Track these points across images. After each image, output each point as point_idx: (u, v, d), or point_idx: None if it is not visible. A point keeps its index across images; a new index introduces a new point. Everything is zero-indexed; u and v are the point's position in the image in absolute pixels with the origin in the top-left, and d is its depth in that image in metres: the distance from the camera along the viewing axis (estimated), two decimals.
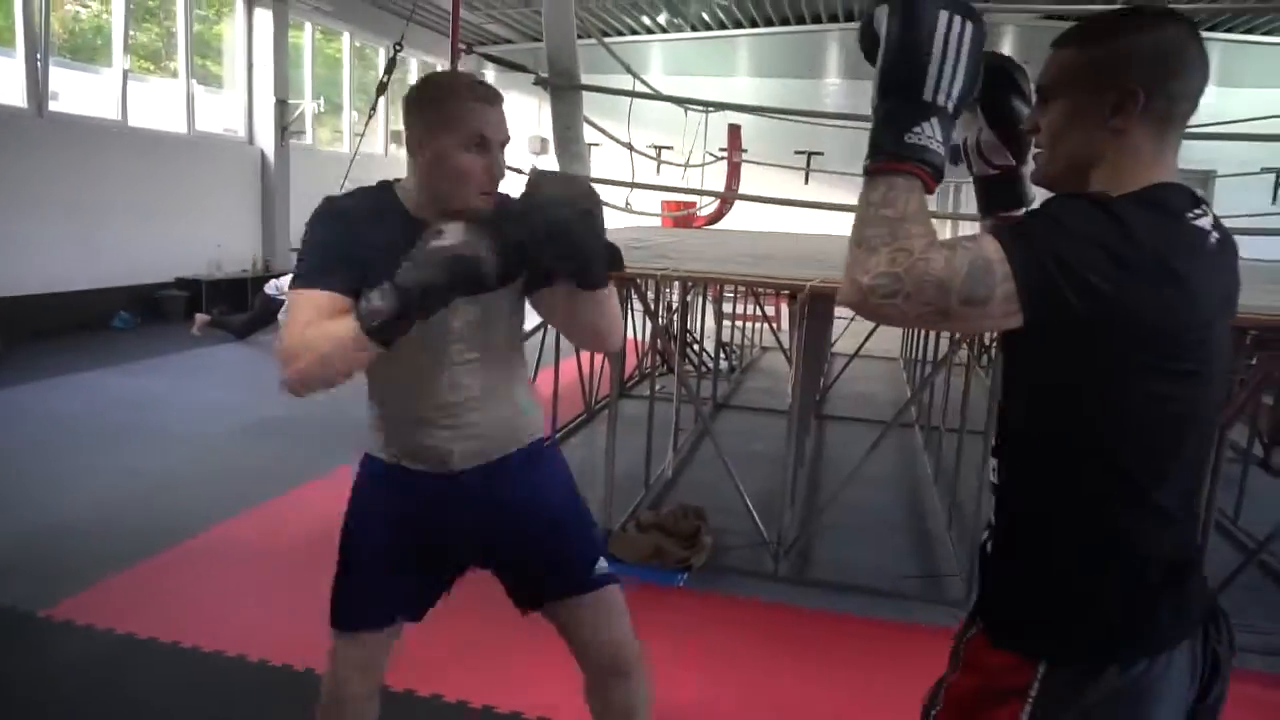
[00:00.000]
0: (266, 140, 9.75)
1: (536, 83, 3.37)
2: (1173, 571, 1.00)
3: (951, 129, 0.97)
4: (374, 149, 12.48)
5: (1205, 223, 0.98)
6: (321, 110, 10.63)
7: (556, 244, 1.23)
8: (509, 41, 13.41)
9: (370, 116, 3.47)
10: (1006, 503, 1.07)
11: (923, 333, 6.04)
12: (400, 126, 8.79)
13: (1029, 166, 1.16)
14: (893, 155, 0.93)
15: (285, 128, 9.72)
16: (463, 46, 3.16)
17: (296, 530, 3.41)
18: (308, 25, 10.63)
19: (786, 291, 3.14)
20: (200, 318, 7.44)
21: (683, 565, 3.18)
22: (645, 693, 1.66)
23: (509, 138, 1.40)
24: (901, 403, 6.40)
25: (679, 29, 13.52)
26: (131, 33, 8.21)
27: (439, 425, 1.52)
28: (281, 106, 9.69)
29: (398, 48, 3.22)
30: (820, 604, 3.04)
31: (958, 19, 0.92)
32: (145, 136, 8.23)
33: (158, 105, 8.51)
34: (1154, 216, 0.95)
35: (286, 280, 7.11)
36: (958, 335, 4.00)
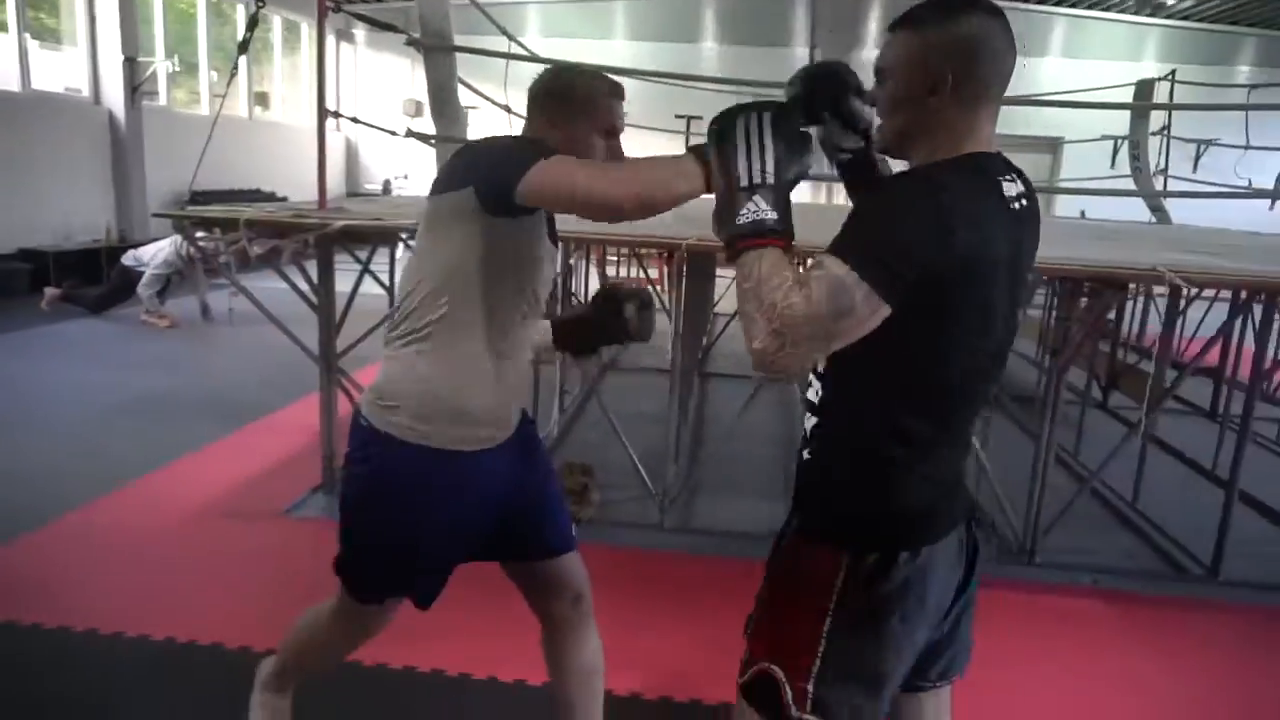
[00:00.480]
0: (116, 101, 9.08)
1: (408, 43, 3.30)
2: (949, 481, 1.24)
3: (782, 191, 1.16)
4: (236, 111, 11.84)
5: (1011, 189, 1.17)
6: (176, 69, 9.98)
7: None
8: (381, 1, 12.91)
9: (232, 76, 3.31)
10: (825, 420, 1.24)
11: None
12: (265, 89, 8.50)
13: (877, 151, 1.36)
14: (730, 240, 1.14)
15: (136, 88, 9.08)
16: (331, 4, 3.05)
17: (167, 510, 3.30)
18: None
19: (665, 252, 3.21)
20: (50, 291, 6.94)
21: (572, 519, 3.24)
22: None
23: (624, 128, 1.60)
24: None
25: None
26: None
27: (509, 385, 1.60)
28: (131, 64, 9.03)
29: (260, 4, 3.08)
30: (704, 550, 3.17)
31: (754, 116, 1.17)
32: None
33: None
34: (967, 181, 1.14)
35: (147, 250, 6.75)
36: None
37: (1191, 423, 5.32)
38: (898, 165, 1.29)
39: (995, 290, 1.15)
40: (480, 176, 1.43)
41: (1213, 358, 5.38)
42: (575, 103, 1.55)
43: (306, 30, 13.30)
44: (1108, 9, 13.06)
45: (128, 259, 6.81)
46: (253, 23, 3.17)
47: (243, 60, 11.18)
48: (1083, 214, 10.55)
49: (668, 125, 11.83)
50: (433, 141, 3.40)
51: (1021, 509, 3.24)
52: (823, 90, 1.29)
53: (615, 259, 7.04)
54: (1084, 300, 3.72)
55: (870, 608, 1.17)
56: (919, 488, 1.20)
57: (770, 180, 1.15)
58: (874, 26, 13.71)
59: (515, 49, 5.47)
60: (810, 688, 1.17)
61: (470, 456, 1.55)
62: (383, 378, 1.55)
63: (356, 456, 1.58)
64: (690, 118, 12.75)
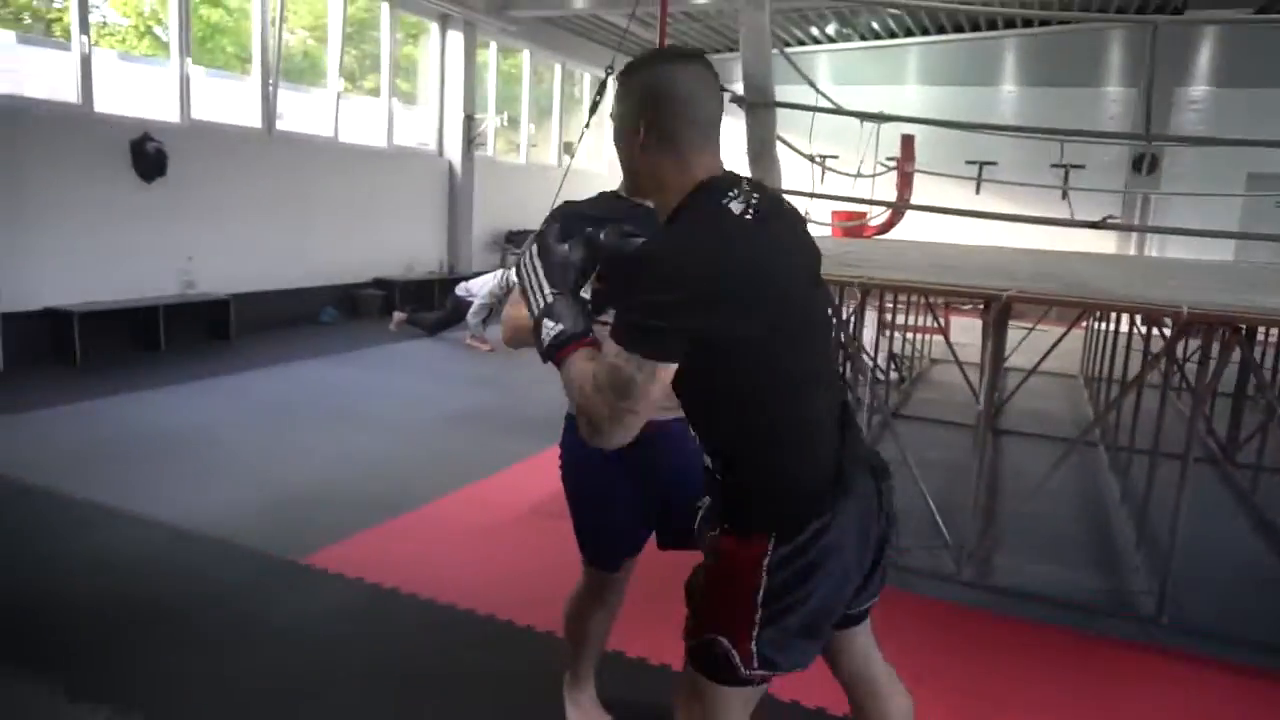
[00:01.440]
0: (454, 152, 10.49)
1: (733, 100, 3.57)
2: (827, 460, 1.40)
3: (565, 300, 1.38)
4: (548, 160, 13.13)
5: (738, 205, 1.30)
6: (504, 125, 11.30)
7: None
8: None
9: (583, 134, 3.77)
10: (713, 453, 1.45)
11: (1108, 351, 5.84)
12: (571, 138, 9.27)
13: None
14: (548, 355, 1.38)
15: (471, 140, 10.42)
16: None
17: (502, 509, 3.77)
18: (492, 45, 11.35)
19: (979, 304, 3.18)
20: (398, 315, 8.13)
21: None
22: None
23: None
24: (1079, 421, 6.20)
25: (848, 39, 13.46)
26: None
27: None
28: (469, 121, 10.40)
29: (609, 71, 3.50)
30: (1002, 609, 3.08)
31: (526, 253, 1.42)
32: (352, 150, 9.08)
33: (357, 121, 9.35)
34: (700, 221, 1.30)
35: (476, 282, 7.69)
36: (1151, 354, 3.90)
37: None
38: None
39: (769, 299, 1.28)
40: None
41: None
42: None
43: (612, 84, 14.48)
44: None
45: (460, 290, 7.80)
46: (603, 88, 3.60)
47: (555, 112, 12.35)
48: None
49: (958, 171, 11.50)
50: None
51: None
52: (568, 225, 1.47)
53: (892, 306, 6.89)
54: None
55: (794, 572, 1.36)
56: (800, 474, 1.38)
57: (550, 299, 1.37)
58: (1203, 63, 12.44)
59: (821, 101, 5.65)
60: (754, 648, 1.38)
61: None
62: None
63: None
64: (983, 163, 12.32)
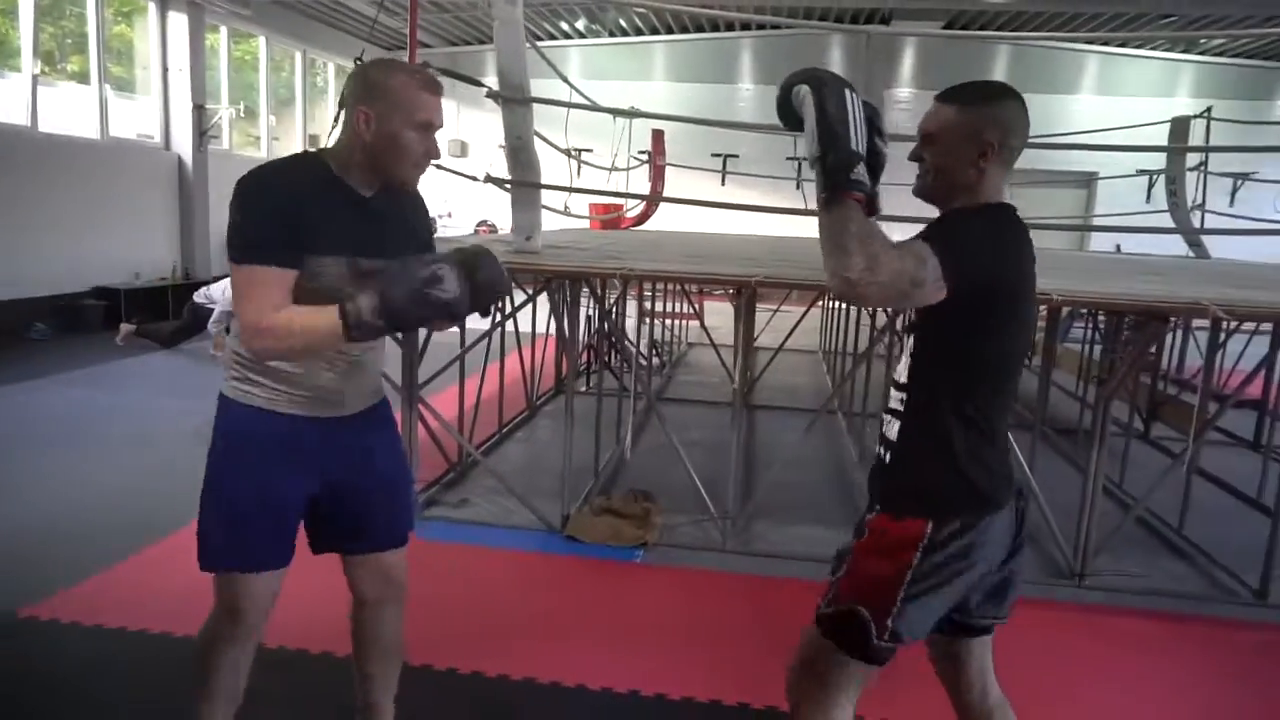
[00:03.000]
0: (183, 146, 9.58)
1: (489, 95, 3.57)
2: (1003, 462, 1.57)
3: (873, 174, 1.44)
4: (292, 151, 12.33)
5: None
6: (240, 115, 10.47)
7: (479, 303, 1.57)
8: (427, 46, 13.42)
9: (334, 128, 3.57)
10: (908, 420, 1.56)
11: (842, 328, 6.46)
12: (316, 131, 8.85)
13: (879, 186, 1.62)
14: (846, 189, 1.38)
15: (204, 133, 9.57)
16: (422, 64, 3.33)
17: None
18: (223, 29, 10.46)
19: (731, 289, 3.42)
20: (125, 327, 7.32)
21: (639, 543, 3.44)
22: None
23: (443, 124, 1.68)
24: (821, 391, 6.82)
25: (597, 34, 13.77)
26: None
27: (335, 369, 1.71)
28: (199, 112, 9.53)
29: (359, 61, 3.35)
30: (767, 571, 3.34)
31: (854, 95, 1.42)
32: (57, 143, 8.03)
33: (62, 111, 8.27)
34: (1013, 222, 1.53)
35: (217, 288, 7.09)
36: (877, 329, 4.37)
37: (1234, 453, 5.39)
38: None
39: (1027, 305, 1.53)
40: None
41: (1255, 389, 5.46)
42: (390, 97, 1.57)
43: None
44: (1140, 46, 13.21)
45: (199, 296, 7.16)
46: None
47: (298, 103, 11.64)
48: (1118, 248, 10.64)
49: (704, 164, 12.16)
50: (508, 187, 3.65)
51: (1070, 534, 3.37)
52: (872, 124, 1.49)
53: (650, 293, 7.21)
54: (1126, 333, 3.86)
55: (943, 562, 1.49)
56: (983, 468, 1.52)
57: (869, 158, 1.42)
58: (907, 68, 13.98)
59: (575, 96, 5.76)
60: (890, 623, 1.50)
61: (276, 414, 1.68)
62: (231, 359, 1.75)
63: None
64: (727, 155, 13.11)
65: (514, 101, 3.48)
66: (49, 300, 7.82)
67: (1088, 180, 13.83)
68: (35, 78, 7.77)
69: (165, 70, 9.41)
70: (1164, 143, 8.56)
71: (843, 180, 1.37)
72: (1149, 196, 11.61)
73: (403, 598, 1.96)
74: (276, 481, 1.71)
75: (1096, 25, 11.96)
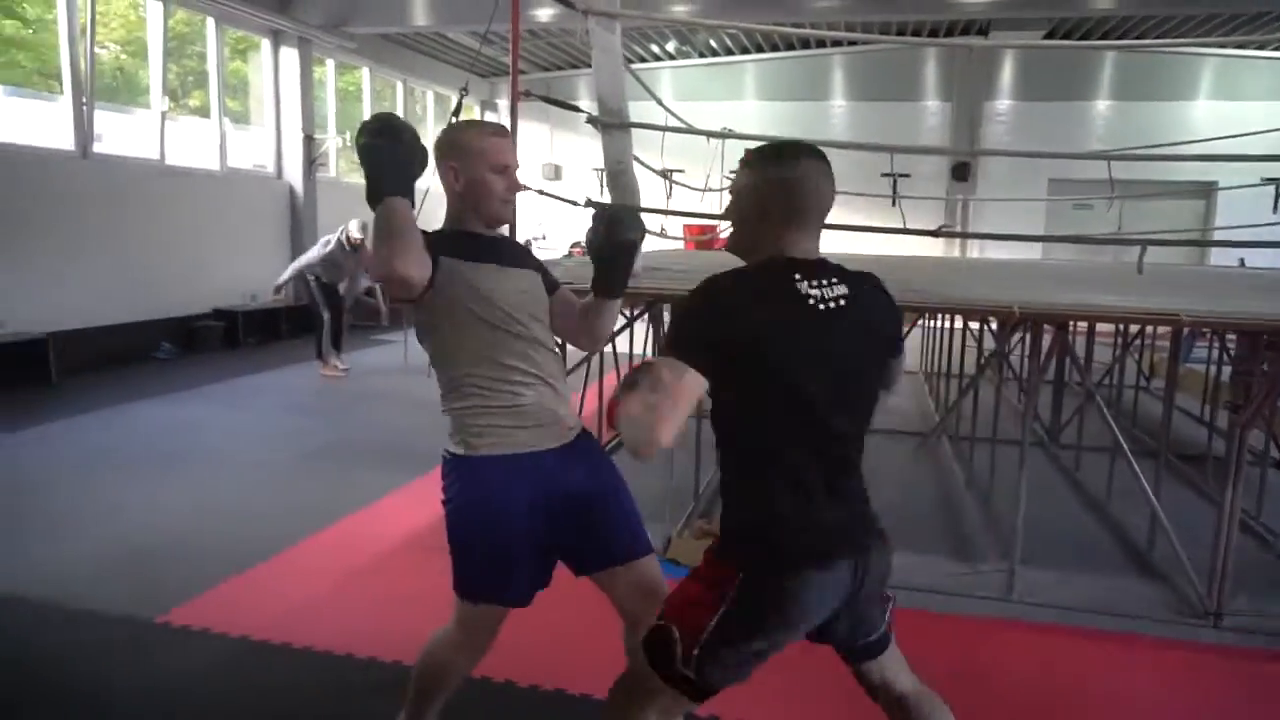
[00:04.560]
0: (294, 174, 10.05)
1: (589, 121, 3.62)
2: (810, 522, 1.51)
3: None
4: None
5: (811, 289, 1.49)
6: (346, 145, 10.94)
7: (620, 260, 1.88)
8: (522, 72, 13.74)
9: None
10: (721, 473, 1.60)
11: (946, 349, 6.28)
12: None
13: None
14: None
15: (313, 161, 10.02)
16: (522, 92, 3.41)
17: (375, 544, 3.64)
18: (330, 62, 10.96)
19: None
20: (327, 363, 7.54)
21: None
22: None
23: (519, 165, 1.92)
24: (923, 414, 6.63)
25: (687, 55, 13.86)
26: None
27: (550, 389, 1.91)
28: (309, 142, 9.99)
29: (463, 92, 3.48)
30: None
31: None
32: (182, 174, 8.53)
33: (185, 143, 8.79)
34: (746, 283, 1.51)
35: (309, 254, 7.31)
36: (986, 353, 4.22)
37: None
38: None
39: (780, 367, 1.46)
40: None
41: None
42: (464, 150, 1.85)
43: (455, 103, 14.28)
44: (1261, 48, 12.50)
45: (302, 269, 7.38)
46: (458, 108, 3.58)
47: None
48: (1241, 263, 10.03)
49: None
50: None
51: (1203, 569, 3.17)
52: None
53: None
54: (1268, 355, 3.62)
55: (748, 616, 1.49)
56: (777, 528, 1.51)
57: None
58: (1005, 80, 13.58)
59: (670, 119, 5.80)
60: (696, 652, 1.51)
61: (516, 457, 1.83)
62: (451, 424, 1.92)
63: (445, 484, 1.89)
64: None
65: (613, 126, 3.52)
66: (173, 321, 8.29)
67: (1206, 191, 13.12)
68: (163, 114, 8.28)
69: (278, 102, 9.91)
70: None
71: None
72: (1276, 206, 10.92)
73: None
74: (528, 526, 1.85)
75: (1210, 29, 11.38)
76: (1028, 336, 3.60)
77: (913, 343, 7.01)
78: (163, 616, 2.91)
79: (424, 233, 1.77)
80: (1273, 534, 3.65)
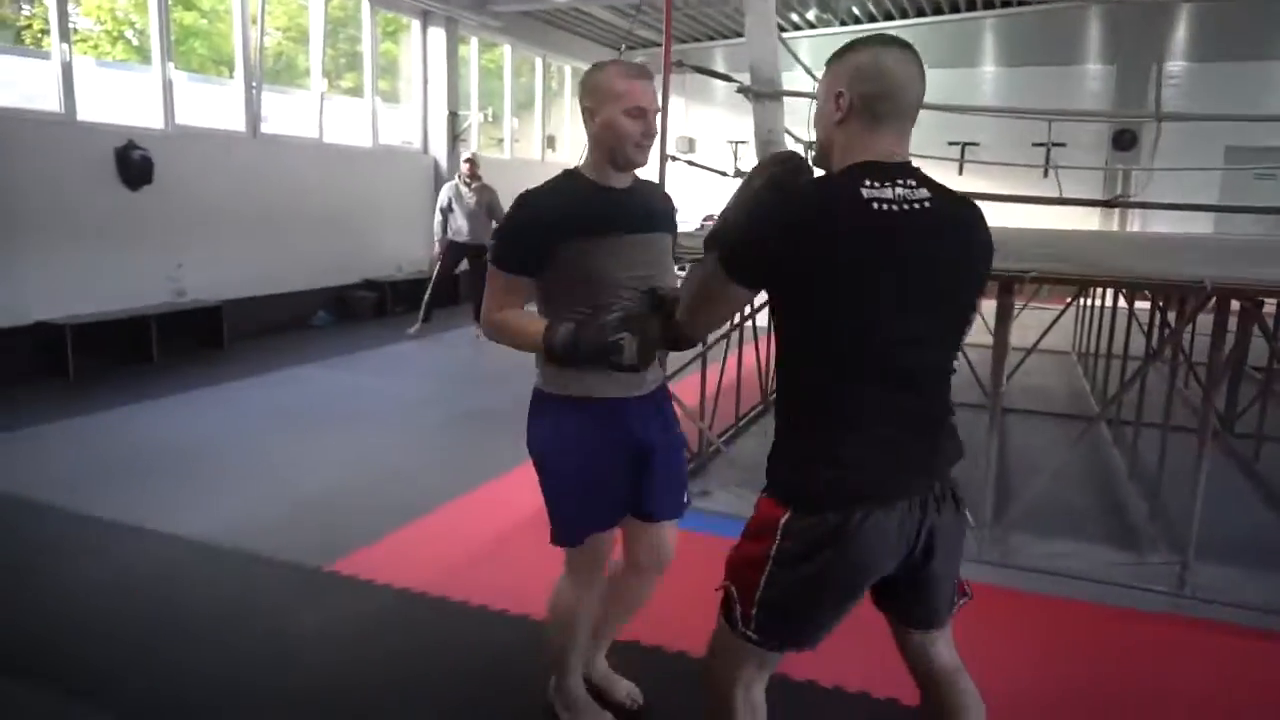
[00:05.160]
0: (439, 150, 10.41)
1: (739, 90, 3.57)
2: (874, 452, 1.41)
3: None
4: (532, 154, 13.07)
5: (886, 192, 1.36)
6: (488, 120, 11.23)
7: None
8: (656, 44, 13.73)
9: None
10: (777, 404, 1.54)
11: (1101, 328, 5.90)
12: (554, 132, 9.31)
13: None
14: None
15: (456, 137, 10.35)
16: (675, 63, 3.40)
17: (521, 507, 3.75)
18: (473, 40, 11.26)
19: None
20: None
21: None
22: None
23: (659, 107, 1.85)
24: (1075, 396, 6.26)
25: (828, 24, 13.46)
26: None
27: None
28: (453, 118, 10.33)
29: (620, 49, 3.48)
30: (1026, 586, 3.11)
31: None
32: (337, 151, 8.99)
33: (339, 122, 9.25)
34: (816, 190, 1.42)
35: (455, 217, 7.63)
36: (1160, 333, 3.93)
37: None
38: None
39: (857, 284, 1.35)
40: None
41: None
42: (601, 92, 1.79)
43: None
44: None
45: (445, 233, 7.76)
46: None
47: (537, 106, 12.22)
48: None
49: (942, 153, 11.55)
50: None
51: None
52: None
53: None
54: None
55: (798, 561, 1.41)
56: (834, 458, 1.40)
57: None
58: (1180, 37, 12.54)
59: (808, 85, 5.63)
60: (753, 611, 1.46)
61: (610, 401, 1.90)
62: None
63: (529, 419, 2.04)
64: (965, 144, 12.38)
65: (766, 96, 3.45)
66: (328, 291, 8.79)
67: None
68: (321, 95, 8.74)
69: (425, 81, 10.27)
70: None
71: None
72: None
73: (665, 568, 2.14)
74: (605, 460, 1.92)
75: None
76: (1199, 317, 3.32)
77: (1066, 321, 6.65)
78: (329, 565, 3.11)
79: (542, 205, 1.82)
80: None
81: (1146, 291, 4.45)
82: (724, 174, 3.91)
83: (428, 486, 3.97)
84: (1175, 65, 12.54)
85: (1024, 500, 3.47)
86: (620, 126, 1.79)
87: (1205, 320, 3.30)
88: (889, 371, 1.41)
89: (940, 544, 1.48)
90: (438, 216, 7.86)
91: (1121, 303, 5.43)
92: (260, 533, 3.40)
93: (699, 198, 13.07)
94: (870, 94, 1.39)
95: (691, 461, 4.24)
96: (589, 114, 1.82)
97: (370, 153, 9.51)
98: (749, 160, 3.97)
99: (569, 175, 1.90)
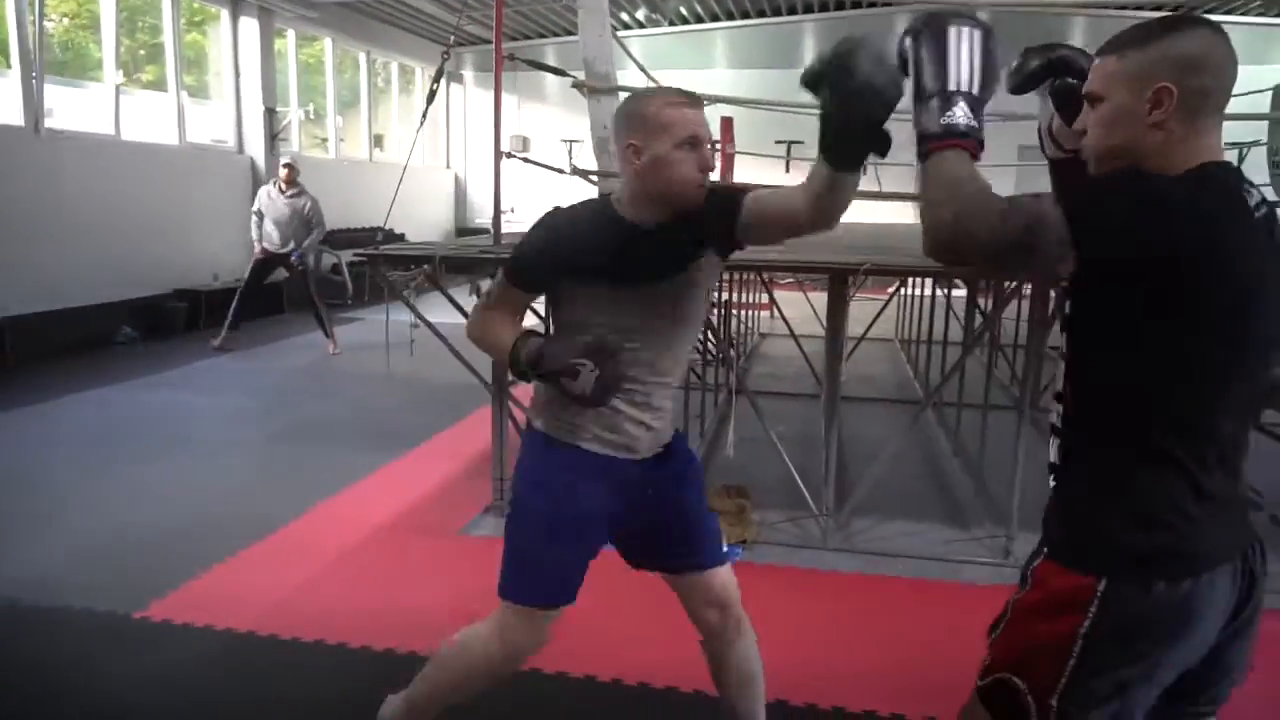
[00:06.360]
0: (256, 149, 9.75)
1: (575, 86, 3.50)
2: (1214, 507, 1.17)
3: (980, 108, 1.20)
4: (359, 154, 12.50)
5: (1253, 197, 1.15)
6: (310, 117, 10.63)
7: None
8: (486, 41, 13.47)
9: (422, 124, 3.56)
10: (1073, 443, 1.25)
11: (920, 313, 6.26)
12: (381, 131, 8.94)
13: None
14: (935, 137, 1.18)
15: (275, 136, 9.73)
16: (507, 55, 3.28)
17: (360, 527, 3.54)
18: (290, 33, 10.62)
19: (802, 278, 3.29)
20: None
21: (738, 541, 3.34)
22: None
23: (709, 137, 1.63)
24: (901, 381, 6.62)
25: (657, 24, 13.65)
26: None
27: (638, 411, 1.74)
28: (270, 115, 9.69)
29: (445, 56, 3.33)
30: (869, 569, 3.22)
31: (965, 29, 1.20)
32: (139, 150, 8.23)
33: (140, 118, 8.47)
34: (1203, 187, 1.12)
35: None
36: (976, 318, 4.19)
37: None
38: None
39: (1247, 295, 1.11)
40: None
41: None
42: (648, 125, 1.60)
43: (420, 73, 13.97)
44: (1229, 11, 12.58)
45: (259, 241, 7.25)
46: (439, 74, 3.44)
47: (363, 104, 11.71)
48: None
49: (768, 151, 11.95)
50: (593, 179, 3.58)
51: None
52: (1059, 71, 1.34)
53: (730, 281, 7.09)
54: None
55: (1123, 638, 1.16)
56: (1177, 513, 1.16)
57: (975, 91, 1.19)
58: None
59: (651, 85, 5.66)
60: (1054, 703, 1.18)
61: (610, 459, 1.72)
62: (541, 390, 1.75)
63: (519, 459, 1.80)
64: (791, 143, 12.87)
65: (601, 91, 3.40)
66: (133, 303, 8.02)
67: None
68: (118, 88, 7.97)
69: (238, 75, 9.59)
70: (1259, 112, 8.11)
71: (930, 127, 1.18)
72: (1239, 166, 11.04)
73: (743, 620, 1.89)
74: (597, 525, 1.76)
75: None
76: (1020, 303, 3.56)
77: (890, 311, 7.03)
78: (140, 612, 2.79)
79: (561, 235, 1.66)
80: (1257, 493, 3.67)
81: (959, 281, 4.74)
82: (561, 171, 3.82)
83: (255, 512, 3.66)
84: None
85: (864, 486, 3.59)
86: (676, 165, 1.58)
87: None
88: (1241, 404, 1.22)
89: (1252, 607, 1.24)
90: (254, 219, 7.34)
91: (940, 292, 5.78)
92: (54, 577, 3.01)
93: (535, 196, 12.98)
94: (1206, 88, 1.15)
95: None
96: (633, 150, 1.60)
97: (177, 151, 8.77)
98: (585, 159, 3.88)
99: (604, 205, 1.72)
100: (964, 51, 1.19)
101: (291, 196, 7.20)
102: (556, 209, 1.72)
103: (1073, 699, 1.18)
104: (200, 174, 9.08)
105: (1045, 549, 1.25)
